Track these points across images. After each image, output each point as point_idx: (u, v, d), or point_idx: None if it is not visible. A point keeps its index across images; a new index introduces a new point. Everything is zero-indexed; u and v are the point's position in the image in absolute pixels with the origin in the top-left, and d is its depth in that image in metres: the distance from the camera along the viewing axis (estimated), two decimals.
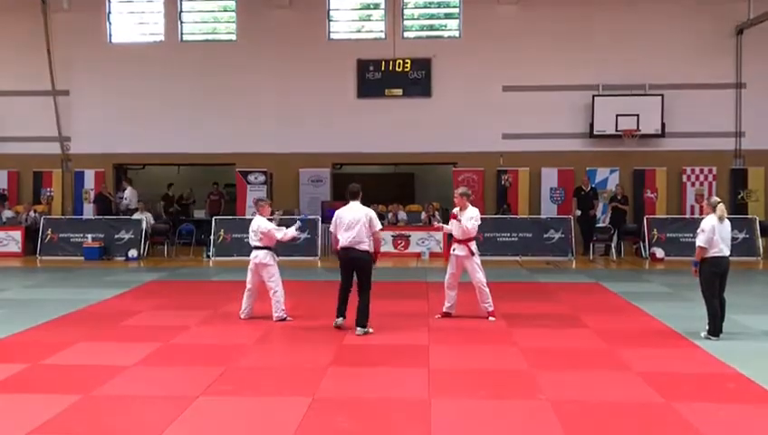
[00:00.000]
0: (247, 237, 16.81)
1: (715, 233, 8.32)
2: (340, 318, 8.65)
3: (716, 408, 5.91)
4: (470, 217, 9.22)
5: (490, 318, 9.36)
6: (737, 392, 6.34)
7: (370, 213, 8.53)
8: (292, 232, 9.51)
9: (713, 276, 8.39)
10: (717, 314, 8.34)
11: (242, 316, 9.46)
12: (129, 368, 7.04)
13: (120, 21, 20.53)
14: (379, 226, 8.56)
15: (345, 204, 8.80)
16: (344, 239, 8.45)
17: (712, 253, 8.36)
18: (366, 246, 8.43)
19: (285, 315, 9.30)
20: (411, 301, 10.93)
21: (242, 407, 5.92)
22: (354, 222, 8.41)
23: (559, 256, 16.82)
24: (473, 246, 9.39)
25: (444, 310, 9.57)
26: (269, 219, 9.63)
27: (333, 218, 8.67)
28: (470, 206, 9.42)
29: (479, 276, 9.33)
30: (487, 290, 9.40)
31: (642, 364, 7.17)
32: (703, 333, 8.38)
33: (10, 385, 6.51)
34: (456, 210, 9.47)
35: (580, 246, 17.76)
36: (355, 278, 8.56)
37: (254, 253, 9.48)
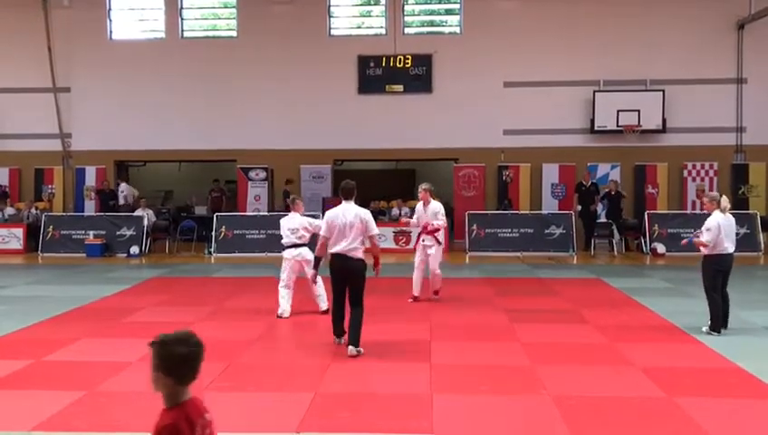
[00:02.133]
0: (249, 234, 17.26)
1: (720, 231, 8.23)
2: (339, 337, 7.68)
3: (718, 403, 5.93)
4: (435, 212, 10.20)
5: (434, 296, 10.45)
6: (739, 387, 6.35)
7: (366, 215, 7.47)
8: None
9: (716, 274, 8.38)
10: (719, 311, 8.32)
11: (285, 316, 9.23)
12: (132, 364, 7.06)
13: (121, 18, 20.51)
14: (375, 229, 7.53)
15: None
16: (338, 246, 7.34)
17: (717, 251, 8.30)
18: (361, 253, 7.39)
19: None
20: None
21: (245, 402, 5.94)
22: (349, 226, 7.30)
23: (560, 252, 16.83)
24: (440, 236, 10.41)
25: (414, 294, 10.40)
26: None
27: (324, 220, 7.60)
28: (433, 200, 10.34)
29: (435, 264, 10.30)
30: (440, 276, 10.43)
31: (644, 359, 7.18)
32: (704, 328, 8.38)
33: (14, 381, 6.53)
34: (419, 205, 10.47)
35: (582, 242, 17.77)
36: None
37: (293, 250, 9.39)
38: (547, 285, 12.44)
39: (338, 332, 7.68)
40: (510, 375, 6.71)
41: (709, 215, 8.47)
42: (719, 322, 8.32)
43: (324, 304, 9.27)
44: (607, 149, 19.04)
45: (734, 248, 8.44)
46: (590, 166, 18.78)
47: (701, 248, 8.43)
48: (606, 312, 9.75)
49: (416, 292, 10.40)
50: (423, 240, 10.38)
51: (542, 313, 9.70)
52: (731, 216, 8.50)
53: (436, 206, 10.33)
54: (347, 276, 7.37)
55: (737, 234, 15.78)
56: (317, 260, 7.93)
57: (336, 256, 7.37)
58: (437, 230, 10.28)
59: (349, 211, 7.41)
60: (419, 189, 10.47)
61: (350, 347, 7.27)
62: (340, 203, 7.58)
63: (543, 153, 19.05)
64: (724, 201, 8.41)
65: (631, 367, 6.95)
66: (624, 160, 19.02)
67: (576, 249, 17.07)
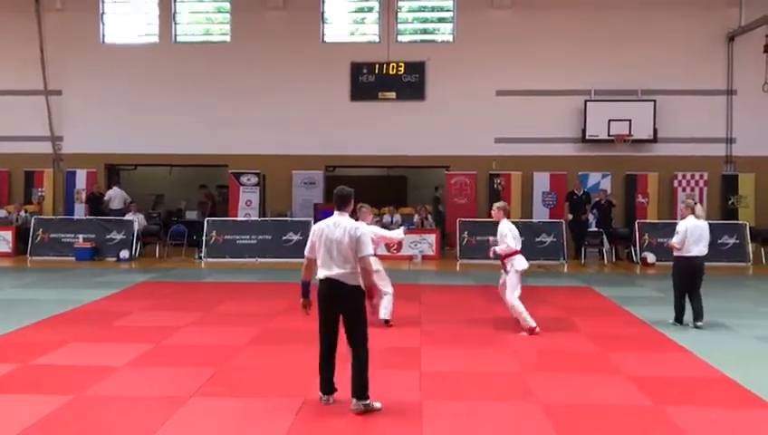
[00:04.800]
0: (240, 239, 17.23)
1: (687, 234, 9.02)
2: (328, 395, 6.02)
3: (705, 411, 5.97)
4: (502, 235, 9.10)
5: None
6: (726, 396, 6.39)
7: (357, 231, 5.88)
8: (400, 233, 9.54)
9: (680, 273, 9.25)
10: (681, 305, 9.31)
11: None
12: (120, 368, 7.03)
13: (114, 21, 20.49)
14: (368, 250, 5.88)
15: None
16: (325, 269, 5.88)
17: (683, 253, 9.10)
18: (358, 279, 5.87)
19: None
20: (403, 303, 10.88)
21: (234, 408, 5.92)
22: (336, 244, 5.85)
23: (551, 260, 16.87)
24: (508, 261, 9.12)
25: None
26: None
27: (311, 235, 6.07)
28: (504, 220, 9.31)
29: (508, 293, 9.05)
30: (515, 308, 8.97)
31: (632, 368, 7.21)
32: (671, 320, 9.36)
33: (0, 385, 6.48)
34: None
35: (572, 251, 17.82)
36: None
37: None
38: (537, 293, 12.43)
39: (326, 387, 6.02)
40: (500, 383, 6.72)
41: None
42: (681, 314, 9.32)
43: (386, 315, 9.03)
44: (598, 158, 19.13)
45: (704, 252, 9.17)
46: (581, 175, 18.85)
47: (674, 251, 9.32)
48: (596, 320, 9.79)
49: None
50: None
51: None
52: (705, 223, 9.21)
53: (504, 227, 9.09)
54: (338, 308, 5.86)
55: (726, 244, 15.98)
56: (304, 287, 6.12)
57: (323, 282, 5.88)
58: (507, 255, 8.98)
59: (339, 225, 5.91)
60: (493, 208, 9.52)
61: (354, 401, 5.77)
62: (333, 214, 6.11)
63: (535, 162, 19.11)
64: (699, 209, 9.21)
65: (620, 375, 6.97)
66: (615, 170, 19.12)
67: (567, 258, 17.12)
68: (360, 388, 5.78)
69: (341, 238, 5.84)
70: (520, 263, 8.94)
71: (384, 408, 5.89)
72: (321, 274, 5.91)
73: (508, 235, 8.90)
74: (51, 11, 19.65)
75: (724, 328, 9.24)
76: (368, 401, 5.80)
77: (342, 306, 5.87)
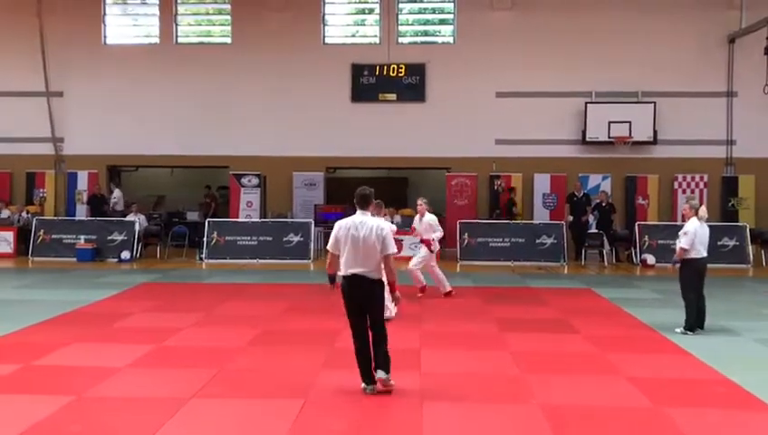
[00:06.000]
0: (241, 240, 17.27)
1: (696, 236, 8.83)
2: (372, 385, 6.30)
3: (704, 413, 5.98)
4: (429, 224, 11.76)
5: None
6: (725, 397, 6.41)
7: (384, 231, 6.24)
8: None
9: (693, 276, 8.93)
10: (694, 312, 8.88)
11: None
12: (121, 369, 7.06)
13: (115, 22, 20.54)
14: (393, 249, 6.27)
15: (347, 208, 8.56)
16: (352, 267, 6.20)
17: (693, 255, 8.87)
18: (379, 274, 6.26)
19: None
20: (403, 305, 10.87)
21: (234, 409, 5.94)
22: (367, 242, 6.17)
23: (551, 262, 16.89)
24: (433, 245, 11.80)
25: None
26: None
27: (335, 232, 6.34)
28: (428, 213, 11.87)
29: (414, 261, 11.82)
30: (414, 274, 11.83)
31: (632, 369, 7.23)
32: (678, 329, 8.92)
33: (2, 385, 6.51)
34: (417, 217, 12.24)
35: (572, 252, 17.84)
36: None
37: None
38: (537, 294, 12.49)
39: (367, 377, 6.29)
40: (499, 384, 6.74)
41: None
42: (694, 322, 8.88)
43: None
44: (598, 160, 19.16)
45: (706, 253, 9.01)
46: (581, 177, 18.87)
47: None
48: (595, 321, 9.80)
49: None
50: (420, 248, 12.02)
51: (531, 322, 9.74)
52: (706, 225, 9.07)
53: (431, 218, 11.70)
54: (366, 303, 6.23)
55: (726, 246, 16.06)
56: (331, 278, 6.61)
57: (352, 278, 6.19)
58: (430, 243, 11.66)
59: (365, 224, 6.22)
60: (417, 203, 12.08)
61: (381, 371, 6.24)
62: (336, 210, 6.91)
63: (535, 163, 19.14)
64: (703, 211, 9.03)
65: (619, 377, 6.99)
66: (615, 171, 19.14)
67: (567, 259, 17.14)
68: (385, 359, 6.25)
69: (368, 237, 6.17)
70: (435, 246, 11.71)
71: (384, 409, 5.93)
72: (347, 271, 6.22)
73: (436, 225, 11.65)
74: (52, 12, 19.68)
75: (724, 331, 9.25)
76: (389, 375, 6.28)
77: (365, 295, 6.22)
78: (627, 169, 19.18)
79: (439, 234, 11.71)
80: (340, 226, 6.33)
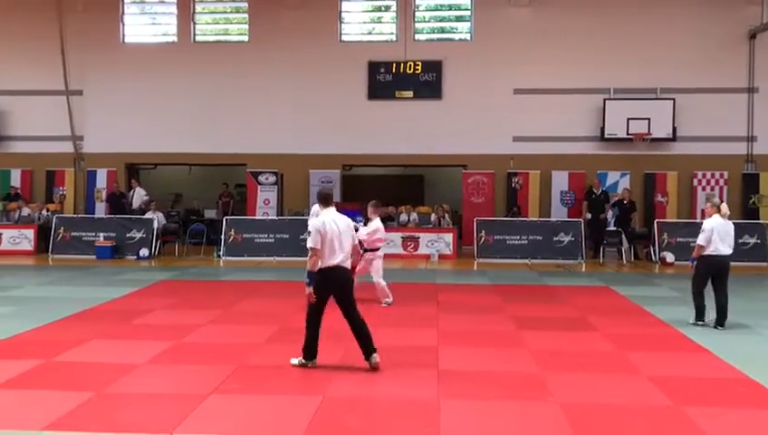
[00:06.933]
0: (258, 237, 17.35)
1: (713, 233, 8.95)
2: (314, 360, 7.04)
3: (726, 412, 5.91)
4: (373, 230, 10.56)
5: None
6: (747, 397, 6.33)
7: (352, 223, 7.30)
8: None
9: (706, 273, 9.15)
10: (702, 304, 9.20)
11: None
12: (140, 366, 7.11)
13: (134, 21, 20.69)
14: (356, 239, 7.43)
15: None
16: (335, 258, 6.83)
17: (708, 251, 9.01)
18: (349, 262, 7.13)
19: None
20: (420, 303, 10.95)
21: (253, 405, 5.97)
22: (343, 235, 6.95)
23: (568, 260, 16.80)
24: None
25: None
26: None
27: (320, 230, 6.84)
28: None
29: (376, 278, 10.66)
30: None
31: (651, 368, 7.17)
32: (690, 320, 9.27)
33: (24, 381, 6.59)
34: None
35: (591, 250, 17.73)
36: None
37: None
38: (555, 292, 12.43)
39: (313, 352, 7.03)
40: (517, 382, 6.71)
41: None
42: (702, 314, 9.22)
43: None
44: (617, 157, 19.02)
45: (729, 252, 9.11)
46: (599, 174, 18.76)
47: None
48: (614, 320, 9.73)
49: None
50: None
51: (549, 320, 9.69)
52: (730, 222, 9.17)
53: (378, 223, 10.77)
54: (343, 289, 6.94)
55: (746, 244, 15.88)
56: (311, 276, 7.00)
57: (334, 269, 6.84)
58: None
59: (339, 219, 7.01)
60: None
61: (374, 355, 6.92)
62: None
63: (553, 160, 19.04)
64: (725, 208, 9.15)
65: (639, 375, 6.94)
66: (634, 169, 19.00)
67: (585, 257, 17.03)
68: (371, 341, 6.92)
69: (345, 230, 6.97)
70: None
71: (402, 406, 5.93)
72: (331, 262, 6.82)
73: (380, 230, 10.66)
74: (71, 12, 19.87)
75: (745, 329, 9.16)
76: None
77: (345, 281, 6.96)
78: (646, 166, 19.02)
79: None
80: (321, 223, 6.88)
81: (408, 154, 19.54)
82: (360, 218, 16.19)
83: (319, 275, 6.86)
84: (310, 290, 6.91)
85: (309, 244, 6.89)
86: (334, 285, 6.87)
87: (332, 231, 6.84)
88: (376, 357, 6.91)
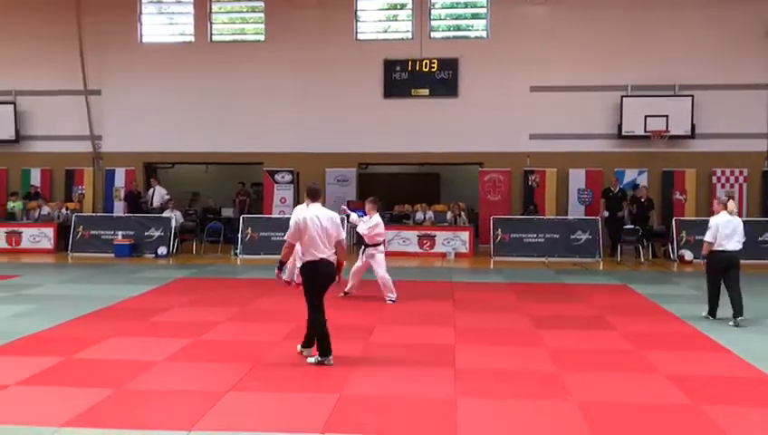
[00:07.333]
0: (275, 236, 17.43)
1: (718, 230, 9.15)
2: (329, 356, 7.07)
3: (747, 411, 5.86)
4: (374, 225, 10.70)
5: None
6: (767, 396, 6.27)
7: (337, 219, 7.28)
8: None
9: (714, 268, 9.32)
10: (715, 298, 9.42)
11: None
12: (159, 363, 7.17)
13: (151, 21, 20.84)
14: (344, 235, 7.39)
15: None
16: (319, 252, 6.98)
17: (715, 247, 9.21)
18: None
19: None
20: (437, 301, 10.95)
21: (271, 402, 6.00)
22: (325, 231, 7.05)
23: (586, 258, 16.71)
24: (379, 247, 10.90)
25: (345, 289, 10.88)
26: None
27: (299, 223, 7.02)
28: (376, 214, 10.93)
29: (381, 272, 10.71)
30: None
31: (670, 367, 7.12)
32: (704, 313, 9.52)
33: (45, 378, 6.66)
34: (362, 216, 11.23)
35: (608, 248, 17.61)
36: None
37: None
38: (572, 290, 12.37)
39: (329, 348, 7.06)
40: (535, 381, 6.69)
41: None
42: (715, 307, 9.43)
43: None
44: (634, 154, 18.88)
45: (737, 248, 9.22)
46: (617, 171, 18.64)
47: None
48: (632, 318, 9.67)
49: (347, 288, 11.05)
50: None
51: (567, 319, 9.65)
52: (738, 219, 9.37)
53: (378, 218, 10.91)
54: (328, 283, 7.14)
55: (765, 242, 15.73)
56: (283, 265, 7.31)
57: (321, 263, 6.98)
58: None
59: (322, 215, 7.10)
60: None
61: (309, 350, 7.23)
62: (311, 205, 7.42)
63: (570, 158, 18.94)
64: (731, 204, 9.33)
65: (657, 374, 6.89)
66: (652, 166, 18.85)
67: (602, 255, 16.92)
68: (314, 339, 7.14)
69: (327, 226, 7.05)
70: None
71: (419, 404, 5.93)
72: (315, 256, 6.97)
73: (380, 225, 10.79)
74: (90, 12, 20.04)
75: (765, 327, 9.06)
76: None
77: (330, 276, 7.12)
78: (663, 163, 18.87)
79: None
80: (302, 218, 7.02)
81: (424, 152, 19.53)
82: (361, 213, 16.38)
83: (305, 269, 7.06)
84: (279, 274, 7.29)
85: (285, 237, 7.23)
86: (321, 276, 7.04)
87: (315, 226, 6.97)
88: (307, 353, 7.20)
